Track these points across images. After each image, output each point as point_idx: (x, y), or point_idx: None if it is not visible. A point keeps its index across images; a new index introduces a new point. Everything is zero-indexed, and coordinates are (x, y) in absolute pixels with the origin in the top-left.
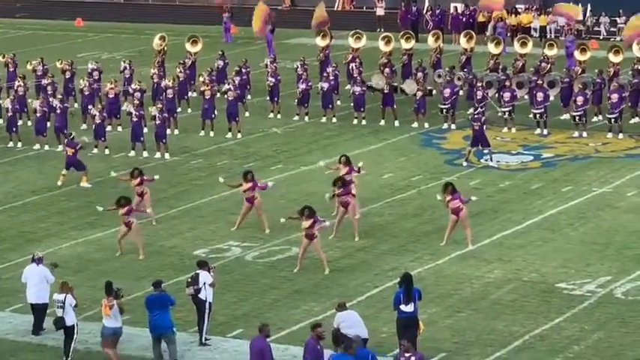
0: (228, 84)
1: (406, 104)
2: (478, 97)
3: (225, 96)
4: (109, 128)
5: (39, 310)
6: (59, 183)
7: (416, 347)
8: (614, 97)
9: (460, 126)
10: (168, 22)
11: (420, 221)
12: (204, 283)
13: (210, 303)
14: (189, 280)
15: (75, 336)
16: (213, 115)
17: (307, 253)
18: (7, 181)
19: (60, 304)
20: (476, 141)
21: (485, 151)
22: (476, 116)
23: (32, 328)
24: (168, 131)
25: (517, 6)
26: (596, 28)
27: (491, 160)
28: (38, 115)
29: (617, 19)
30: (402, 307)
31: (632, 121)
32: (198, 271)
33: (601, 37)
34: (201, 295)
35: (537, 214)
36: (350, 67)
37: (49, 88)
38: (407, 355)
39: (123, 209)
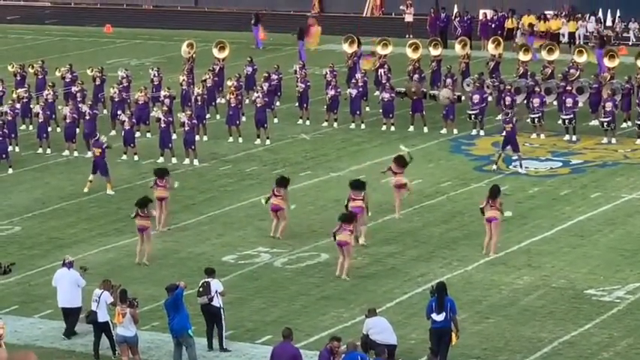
0: (257, 91)
1: (435, 110)
2: (507, 103)
3: (254, 102)
4: (137, 134)
5: (71, 315)
6: (85, 190)
7: (446, 358)
8: None
9: (489, 132)
10: (197, 28)
11: (448, 227)
12: (216, 291)
13: (223, 309)
14: (201, 289)
15: (113, 332)
16: (237, 122)
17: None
18: (36, 187)
19: (96, 297)
20: (506, 143)
21: (515, 157)
22: (508, 119)
23: (64, 331)
24: (197, 137)
25: (546, 12)
26: (625, 34)
27: (520, 167)
28: (68, 121)
29: None
30: (434, 316)
31: None
32: (208, 280)
33: (630, 43)
34: (215, 303)
35: (566, 221)
36: (379, 73)
37: (78, 95)
38: None
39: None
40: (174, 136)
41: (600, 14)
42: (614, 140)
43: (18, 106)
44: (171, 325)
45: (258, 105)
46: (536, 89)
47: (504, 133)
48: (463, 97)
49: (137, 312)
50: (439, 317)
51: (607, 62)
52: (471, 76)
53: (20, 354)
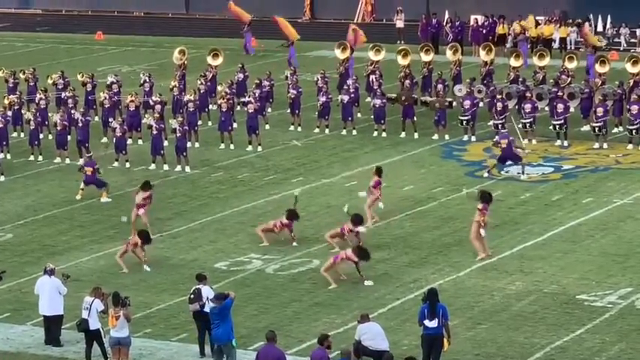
0: (249, 96)
1: (426, 116)
2: (498, 109)
3: (245, 108)
4: (129, 141)
5: (52, 322)
6: (78, 197)
7: None
8: (634, 108)
9: (480, 138)
10: (188, 35)
11: (440, 233)
12: (207, 298)
13: None
14: (192, 296)
15: (104, 340)
16: (230, 128)
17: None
18: (28, 194)
19: (87, 305)
20: (504, 159)
21: (517, 167)
22: (504, 133)
23: (45, 338)
24: (188, 144)
25: (537, 18)
26: (616, 40)
27: (522, 173)
28: (59, 128)
29: (637, 30)
30: (426, 322)
31: None
32: (199, 286)
33: (621, 49)
34: (206, 310)
35: (558, 226)
36: (370, 79)
37: (69, 101)
38: None
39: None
40: (165, 143)
41: (591, 19)
42: (605, 145)
43: (9, 113)
44: (215, 332)
45: (250, 111)
46: (528, 95)
47: (501, 145)
48: (454, 103)
49: (130, 311)
50: (431, 323)
51: (598, 68)
52: (462, 82)
53: None
